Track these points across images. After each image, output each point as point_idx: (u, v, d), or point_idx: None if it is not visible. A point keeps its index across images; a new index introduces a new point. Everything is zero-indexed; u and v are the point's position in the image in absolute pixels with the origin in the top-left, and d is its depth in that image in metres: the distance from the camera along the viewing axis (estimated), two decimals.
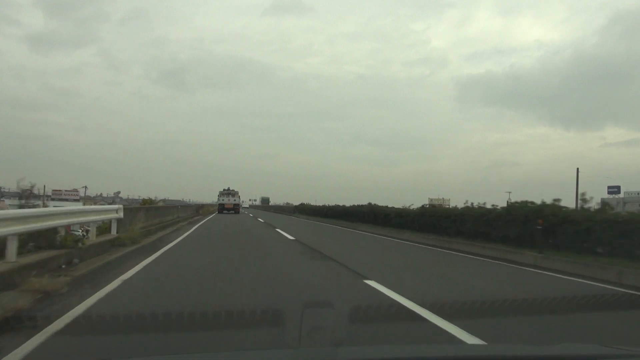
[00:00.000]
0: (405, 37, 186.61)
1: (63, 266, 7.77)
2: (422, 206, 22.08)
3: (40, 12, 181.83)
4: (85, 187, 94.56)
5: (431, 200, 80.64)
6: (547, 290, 7.68)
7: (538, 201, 12.98)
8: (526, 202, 13.53)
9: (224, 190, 48.18)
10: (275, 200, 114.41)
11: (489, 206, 15.23)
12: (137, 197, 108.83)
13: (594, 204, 13.05)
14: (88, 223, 11.02)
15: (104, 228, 12.08)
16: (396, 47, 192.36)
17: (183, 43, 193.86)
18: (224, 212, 44.64)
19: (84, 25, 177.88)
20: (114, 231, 12.17)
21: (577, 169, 46.62)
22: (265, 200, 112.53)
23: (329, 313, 4.29)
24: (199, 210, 41.34)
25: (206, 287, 6.82)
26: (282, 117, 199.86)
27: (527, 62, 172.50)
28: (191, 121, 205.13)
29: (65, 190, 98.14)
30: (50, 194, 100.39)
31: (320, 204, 44.57)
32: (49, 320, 4.48)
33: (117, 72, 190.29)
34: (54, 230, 8.52)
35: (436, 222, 16.57)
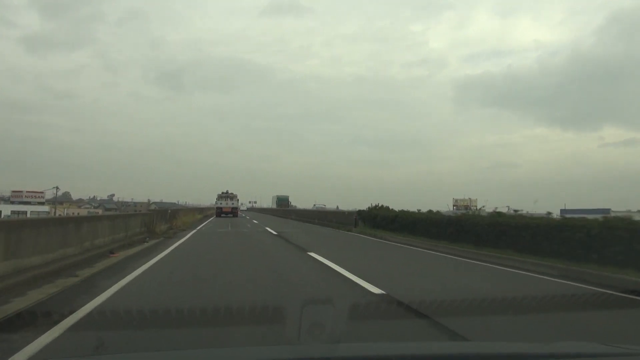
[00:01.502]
0: (404, 38, 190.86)
1: None
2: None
3: (36, 13, 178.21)
4: (57, 187, 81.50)
5: (456, 201, 73.26)
6: None
7: None
8: None
9: (222, 193, 46.43)
10: (269, 202, 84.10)
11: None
12: (129, 200, 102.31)
13: None
14: None
15: None
16: (395, 48, 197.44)
17: (181, 45, 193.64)
18: (222, 215, 43.03)
19: (81, 27, 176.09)
20: None
21: None
22: (282, 201, 72.17)
23: None
24: (155, 222, 16.96)
25: None
26: (281, 118, 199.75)
27: (525, 62, 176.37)
28: (190, 123, 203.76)
29: (27, 192, 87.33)
30: (8, 195, 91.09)
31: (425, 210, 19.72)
32: None
33: (114, 73, 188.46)
34: None
35: None
